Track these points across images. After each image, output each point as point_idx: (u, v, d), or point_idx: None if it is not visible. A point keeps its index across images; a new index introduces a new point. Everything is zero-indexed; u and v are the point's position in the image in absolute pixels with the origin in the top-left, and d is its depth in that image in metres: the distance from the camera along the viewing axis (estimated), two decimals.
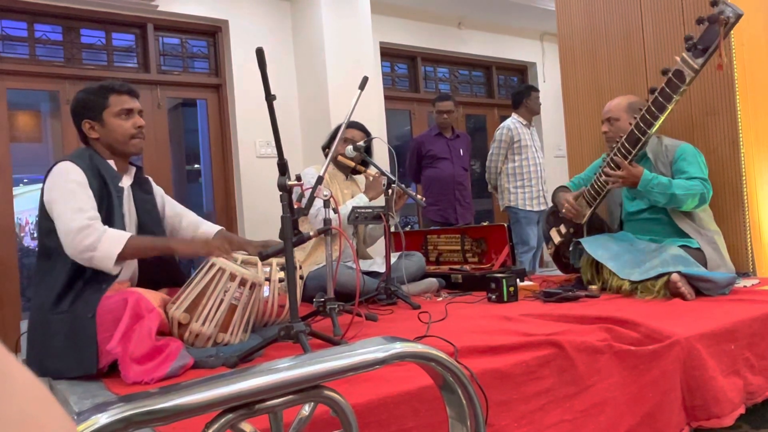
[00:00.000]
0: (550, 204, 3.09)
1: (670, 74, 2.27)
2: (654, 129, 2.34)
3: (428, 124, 5.70)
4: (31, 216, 7.10)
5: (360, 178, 3.01)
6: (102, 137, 1.85)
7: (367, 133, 2.94)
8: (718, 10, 2.14)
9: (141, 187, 1.97)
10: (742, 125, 2.61)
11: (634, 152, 2.39)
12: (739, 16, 2.13)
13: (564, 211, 2.68)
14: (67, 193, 1.69)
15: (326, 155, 2.83)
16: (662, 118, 2.31)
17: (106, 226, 1.69)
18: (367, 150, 2.76)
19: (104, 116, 1.84)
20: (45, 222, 1.72)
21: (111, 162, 1.86)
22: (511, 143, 4.20)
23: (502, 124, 4.30)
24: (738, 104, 2.61)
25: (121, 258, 1.67)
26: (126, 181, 1.90)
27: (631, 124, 2.40)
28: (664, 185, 2.34)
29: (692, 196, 2.34)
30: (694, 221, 2.46)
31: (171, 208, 2.10)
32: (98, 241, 1.63)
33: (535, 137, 4.36)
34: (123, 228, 1.79)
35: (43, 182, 1.76)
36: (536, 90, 4.41)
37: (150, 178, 2.08)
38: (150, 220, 1.95)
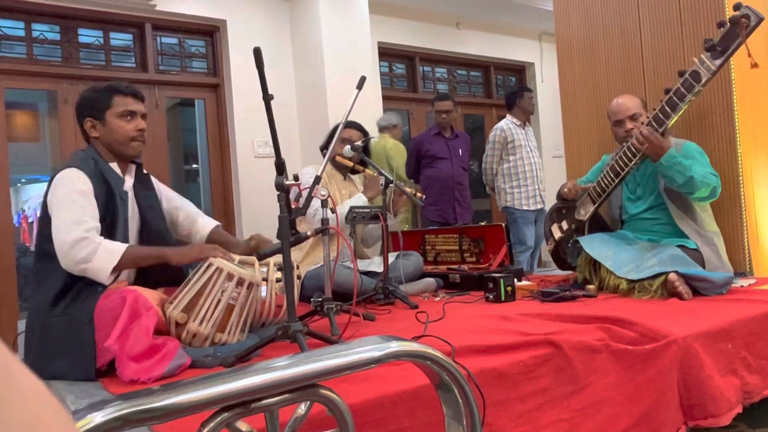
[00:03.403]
0: (547, 203, 3.10)
1: (686, 75, 2.29)
2: (665, 128, 2.34)
3: (426, 124, 5.71)
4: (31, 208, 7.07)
5: (358, 178, 3.01)
6: (102, 137, 1.86)
7: (365, 133, 2.94)
8: (741, 13, 2.15)
9: (143, 184, 1.98)
10: (739, 124, 2.61)
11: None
12: (760, 20, 2.14)
13: (566, 190, 2.70)
14: (68, 204, 1.68)
15: (324, 155, 2.83)
16: (674, 117, 2.31)
17: (102, 238, 1.68)
18: (365, 150, 2.76)
19: (106, 116, 1.84)
20: (46, 227, 1.72)
21: (113, 165, 1.86)
22: (505, 144, 4.23)
23: (495, 126, 4.35)
24: (735, 104, 2.61)
25: (116, 270, 1.68)
26: (129, 183, 1.91)
27: (648, 118, 2.40)
28: (685, 167, 2.31)
29: (707, 186, 2.32)
30: (695, 222, 2.45)
31: (168, 202, 2.11)
32: (93, 254, 1.63)
33: (531, 137, 4.37)
34: (126, 232, 1.79)
35: (47, 187, 1.75)
36: (529, 90, 4.45)
37: (150, 174, 2.08)
38: (153, 217, 1.95)
